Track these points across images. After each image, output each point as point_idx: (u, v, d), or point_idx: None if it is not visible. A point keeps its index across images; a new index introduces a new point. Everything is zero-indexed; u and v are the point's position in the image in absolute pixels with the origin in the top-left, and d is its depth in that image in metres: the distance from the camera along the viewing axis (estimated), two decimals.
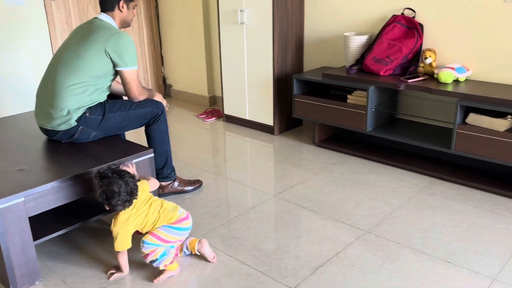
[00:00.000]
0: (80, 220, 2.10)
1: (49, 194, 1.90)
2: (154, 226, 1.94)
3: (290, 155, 3.24)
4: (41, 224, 2.05)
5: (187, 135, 3.69)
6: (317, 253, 2.10)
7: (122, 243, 1.90)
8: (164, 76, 4.80)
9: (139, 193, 1.93)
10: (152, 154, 2.25)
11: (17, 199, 1.80)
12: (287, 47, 3.51)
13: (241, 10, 3.49)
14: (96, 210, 2.19)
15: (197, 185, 2.76)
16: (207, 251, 2.07)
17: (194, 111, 4.32)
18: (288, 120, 3.70)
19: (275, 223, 2.37)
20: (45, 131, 2.35)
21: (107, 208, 1.90)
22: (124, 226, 1.89)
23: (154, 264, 1.94)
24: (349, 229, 2.29)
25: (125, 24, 2.47)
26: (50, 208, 1.92)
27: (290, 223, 2.36)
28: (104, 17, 2.40)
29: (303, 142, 3.47)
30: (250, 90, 3.67)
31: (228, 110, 3.92)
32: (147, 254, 1.92)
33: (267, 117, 3.63)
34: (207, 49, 4.35)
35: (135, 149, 2.23)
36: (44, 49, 3.79)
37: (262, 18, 3.39)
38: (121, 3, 2.40)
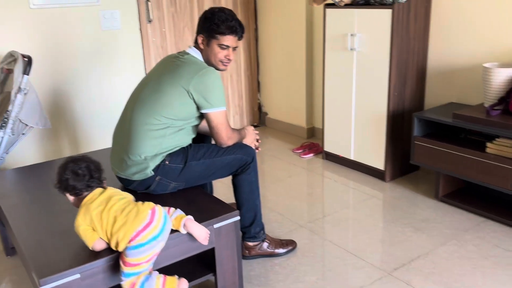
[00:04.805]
0: None
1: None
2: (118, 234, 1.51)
3: (406, 212, 2.62)
4: None
5: (280, 175, 3.23)
6: None
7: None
8: (260, 103, 4.43)
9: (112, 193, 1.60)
10: (238, 217, 1.82)
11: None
12: (406, 78, 2.91)
13: (351, 35, 2.98)
14: None
15: (290, 248, 2.27)
16: (196, 230, 1.66)
17: (289, 144, 3.87)
18: (402, 164, 3.09)
19: None
20: (120, 179, 2.03)
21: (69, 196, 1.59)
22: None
23: None
24: None
25: (209, 64, 2.02)
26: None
27: None
28: (192, 50, 2.04)
29: (422, 194, 2.83)
30: (358, 126, 3.12)
31: (328, 147, 3.41)
32: None
33: (377, 160, 3.05)
34: (308, 76, 3.89)
35: (218, 210, 1.81)
36: (138, 75, 3.61)
37: (377, 43, 2.85)
38: (199, 38, 2.02)
